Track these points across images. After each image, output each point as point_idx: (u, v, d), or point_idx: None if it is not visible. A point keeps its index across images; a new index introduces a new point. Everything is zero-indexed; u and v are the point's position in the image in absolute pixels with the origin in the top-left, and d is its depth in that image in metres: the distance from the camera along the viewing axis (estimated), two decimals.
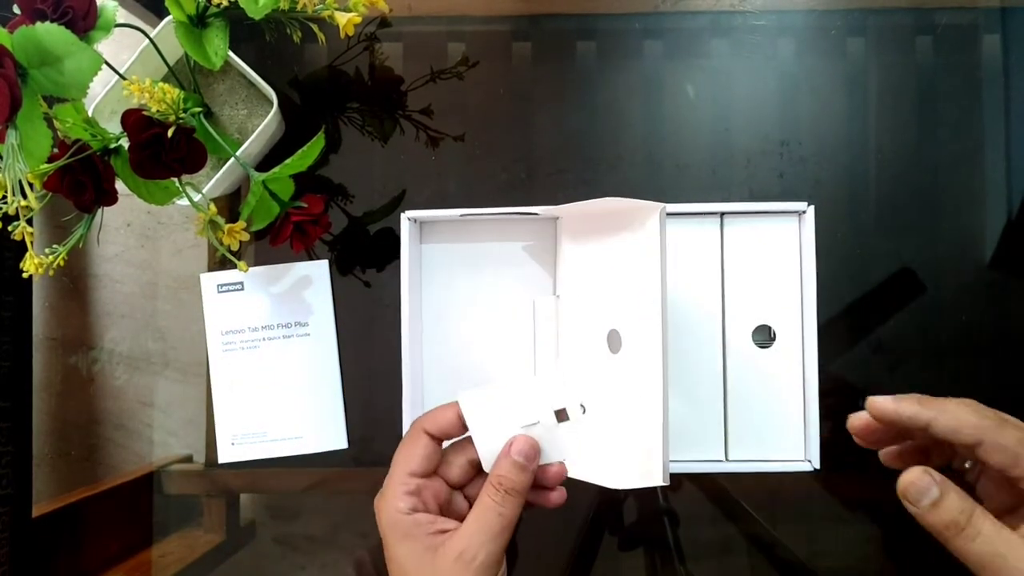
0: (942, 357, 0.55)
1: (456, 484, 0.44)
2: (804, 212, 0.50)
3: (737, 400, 0.50)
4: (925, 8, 0.57)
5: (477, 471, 0.44)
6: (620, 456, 0.44)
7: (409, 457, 0.42)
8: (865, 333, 0.55)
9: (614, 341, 0.47)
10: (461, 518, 0.42)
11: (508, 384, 0.44)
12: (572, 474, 0.46)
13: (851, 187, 0.56)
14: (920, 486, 0.37)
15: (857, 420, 0.40)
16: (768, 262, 0.50)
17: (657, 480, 0.41)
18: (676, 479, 0.55)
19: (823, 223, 0.52)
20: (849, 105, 0.56)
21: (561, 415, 0.43)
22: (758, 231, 0.51)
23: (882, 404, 0.38)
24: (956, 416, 0.36)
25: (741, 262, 0.51)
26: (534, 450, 0.42)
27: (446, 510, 0.43)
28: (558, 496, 0.44)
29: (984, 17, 0.57)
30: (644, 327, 0.43)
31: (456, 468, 0.43)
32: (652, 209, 0.42)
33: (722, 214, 0.51)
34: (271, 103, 0.52)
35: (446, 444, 0.44)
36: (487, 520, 0.40)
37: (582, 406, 0.44)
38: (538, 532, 0.56)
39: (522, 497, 0.41)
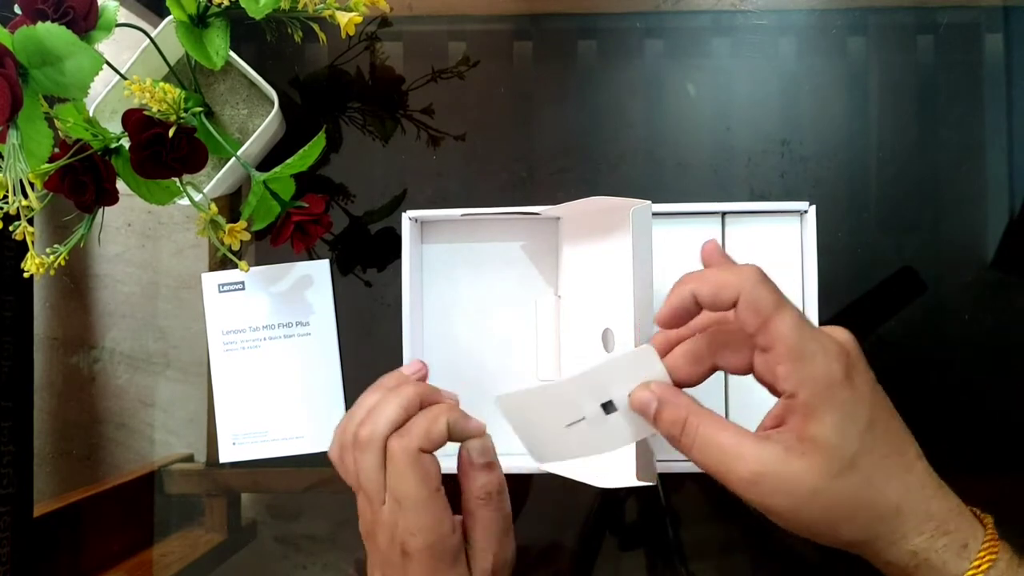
0: (944, 356, 0.55)
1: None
2: (806, 212, 0.50)
3: (738, 399, 0.50)
4: (926, 7, 0.57)
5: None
6: (613, 456, 0.44)
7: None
8: (867, 332, 0.55)
9: (608, 340, 0.47)
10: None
11: (555, 384, 0.41)
12: (563, 473, 0.46)
13: (852, 186, 0.56)
14: (642, 400, 0.37)
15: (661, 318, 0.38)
16: (770, 261, 0.50)
17: (631, 480, 0.41)
18: (677, 479, 0.55)
19: (824, 222, 0.52)
20: (850, 104, 0.56)
21: (609, 407, 0.40)
22: (759, 231, 0.51)
23: (660, 312, 0.37)
24: (716, 278, 0.35)
25: (742, 262, 0.50)
26: (486, 443, 0.42)
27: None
28: None
29: (986, 16, 0.56)
30: (628, 325, 0.43)
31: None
32: (631, 207, 0.42)
33: (723, 214, 0.51)
34: (272, 103, 0.52)
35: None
36: (494, 526, 0.41)
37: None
38: (538, 532, 0.56)
39: (505, 488, 0.42)
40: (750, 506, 0.35)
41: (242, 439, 0.57)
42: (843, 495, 0.33)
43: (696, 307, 0.36)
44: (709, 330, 0.38)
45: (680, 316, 0.37)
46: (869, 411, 0.34)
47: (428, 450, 0.40)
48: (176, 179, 0.46)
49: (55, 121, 0.43)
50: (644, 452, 0.41)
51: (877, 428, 0.34)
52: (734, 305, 0.35)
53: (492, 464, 0.41)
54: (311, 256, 0.57)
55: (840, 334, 0.36)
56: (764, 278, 0.35)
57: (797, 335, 0.34)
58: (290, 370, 0.57)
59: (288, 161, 0.48)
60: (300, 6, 0.47)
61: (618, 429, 0.40)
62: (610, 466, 0.44)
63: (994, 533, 0.35)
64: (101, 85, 0.49)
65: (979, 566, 0.33)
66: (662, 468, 0.51)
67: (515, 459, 0.52)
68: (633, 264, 0.42)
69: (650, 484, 0.41)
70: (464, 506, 0.41)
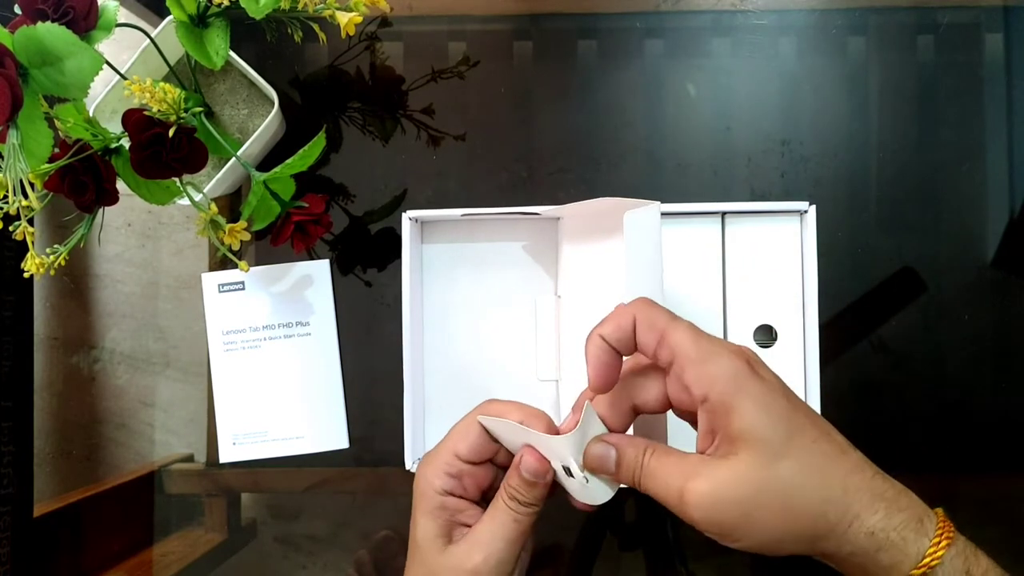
0: (944, 356, 0.55)
1: (505, 465, 0.41)
2: (806, 212, 0.50)
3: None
4: (927, 7, 0.57)
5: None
6: None
7: (461, 439, 0.40)
8: (867, 332, 0.55)
9: None
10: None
11: (542, 436, 0.39)
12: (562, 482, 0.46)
13: (852, 186, 0.56)
14: (599, 454, 0.36)
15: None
16: (770, 262, 0.50)
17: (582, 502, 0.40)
18: None
19: (824, 222, 0.52)
20: (850, 104, 0.56)
21: (568, 472, 0.39)
22: (760, 231, 0.51)
23: (589, 381, 0.37)
24: (613, 318, 0.36)
25: (743, 262, 0.50)
26: (543, 467, 0.39)
27: (488, 494, 0.41)
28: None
29: (986, 16, 0.56)
30: None
31: (503, 453, 0.41)
32: (637, 208, 0.41)
33: (723, 214, 0.51)
34: (272, 103, 0.52)
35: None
36: (501, 523, 0.39)
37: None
38: (539, 532, 0.56)
39: (537, 507, 0.40)
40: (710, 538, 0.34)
41: (242, 439, 0.57)
42: (785, 483, 0.33)
43: (615, 355, 0.36)
44: (621, 373, 0.38)
45: (607, 371, 0.37)
46: (785, 399, 0.34)
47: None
48: (176, 179, 0.46)
49: (55, 121, 0.43)
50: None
51: (799, 414, 0.34)
52: (633, 332, 0.35)
53: (534, 483, 0.39)
54: (311, 256, 0.57)
55: (736, 344, 0.36)
56: (654, 303, 0.36)
57: (694, 340, 0.34)
58: (290, 370, 0.57)
59: (288, 161, 0.48)
60: (300, 6, 0.47)
61: (589, 488, 0.38)
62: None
63: (943, 514, 0.34)
64: (101, 85, 0.49)
65: (939, 543, 0.33)
66: None
67: None
68: (627, 273, 0.40)
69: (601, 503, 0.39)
70: (495, 497, 0.40)
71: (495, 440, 0.40)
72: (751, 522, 0.33)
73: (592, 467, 0.37)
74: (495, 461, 0.41)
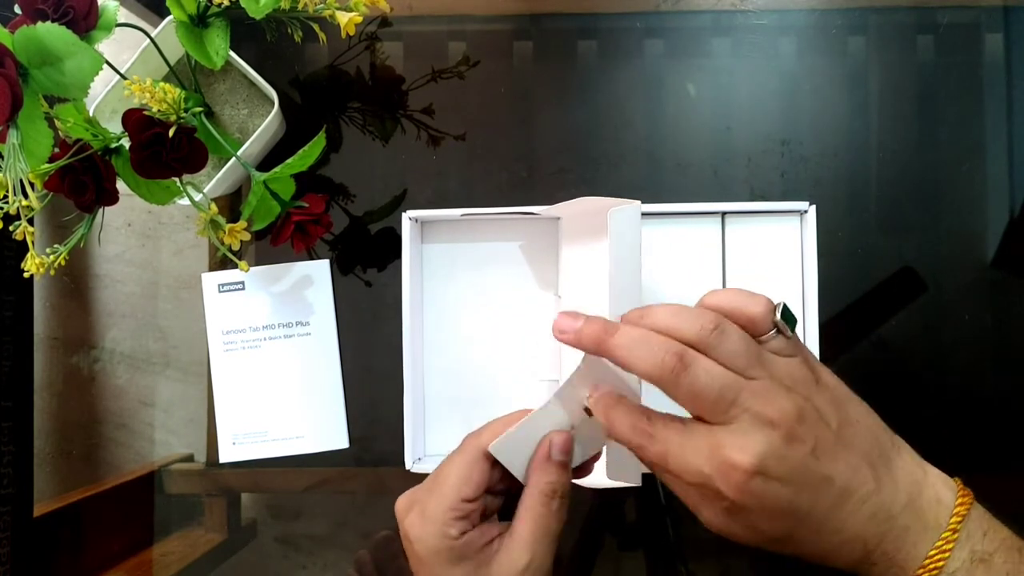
0: (944, 356, 0.55)
1: (497, 490, 0.41)
2: (806, 212, 0.50)
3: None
4: (927, 7, 0.57)
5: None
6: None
7: (465, 482, 0.39)
8: (867, 332, 0.55)
9: None
10: (493, 510, 0.40)
11: (539, 411, 0.40)
12: None
13: (852, 186, 0.56)
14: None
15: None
16: (770, 262, 0.50)
17: (602, 480, 0.40)
18: None
19: (824, 222, 0.52)
20: (850, 104, 0.56)
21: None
22: (759, 231, 0.51)
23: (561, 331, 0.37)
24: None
25: (743, 262, 0.50)
26: (569, 442, 0.39)
27: (486, 515, 0.41)
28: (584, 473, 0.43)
29: (986, 16, 0.56)
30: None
31: (497, 474, 0.40)
32: (613, 205, 0.41)
33: (723, 214, 0.51)
34: (272, 103, 0.52)
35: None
36: (544, 527, 0.38)
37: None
38: None
39: (567, 497, 0.39)
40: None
41: (242, 439, 0.57)
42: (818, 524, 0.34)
43: None
44: None
45: None
46: (826, 458, 0.34)
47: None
48: (176, 179, 0.46)
49: (55, 121, 0.43)
50: (619, 450, 0.40)
51: (838, 465, 0.34)
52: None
53: (565, 464, 0.39)
54: (311, 256, 0.57)
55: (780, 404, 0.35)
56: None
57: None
58: (290, 370, 0.57)
59: (288, 161, 0.48)
60: (300, 6, 0.47)
61: (598, 430, 0.39)
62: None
63: (959, 482, 0.36)
64: (101, 85, 0.49)
65: (933, 556, 0.34)
66: None
67: None
68: (610, 266, 0.41)
69: (634, 485, 0.40)
70: (523, 500, 0.39)
71: (495, 464, 0.40)
72: (765, 499, 0.34)
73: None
74: (488, 487, 0.40)
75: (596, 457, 0.42)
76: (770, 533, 0.35)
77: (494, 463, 0.39)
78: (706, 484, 0.34)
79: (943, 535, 0.34)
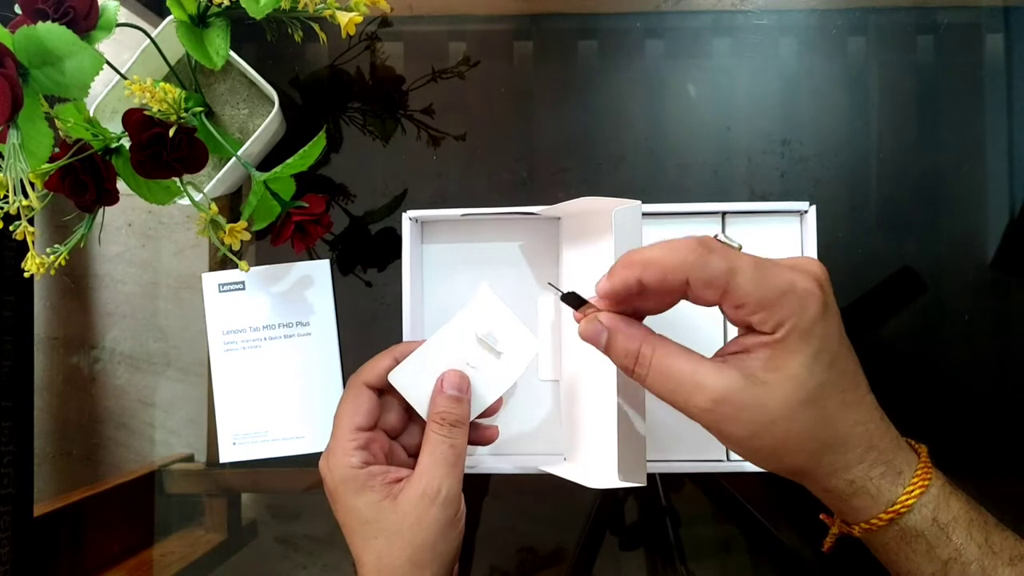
0: (944, 356, 0.55)
1: (394, 433, 0.46)
2: (806, 212, 0.50)
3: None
4: (927, 7, 0.57)
5: (411, 417, 0.47)
6: (603, 456, 0.43)
7: (354, 412, 0.44)
8: (866, 332, 0.55)
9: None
10: (407, 466, 0.44)
11: (432, 339, 0.46)
12: (560, 473, 0.46)
13: (852, 186, 0.56)
14: (591, 332, 0.37)
15: (597, 317, 0.38)
16: None
17: (613, 481, 0.41)
18: (677, 479, 0.55)
19: (824, 222, 0.52)
20: (850, 104, 0.56)
21: (489, 348, 0.45)
22: (760, 231, 0.51)
23: (601, 287, 0.37)
24: (660, 264, 0.34)
25: None
26: (464, 381, 0.45)
27: (391, 460, 0.45)
28: (493, 433, 0.48)
29: (986, 16, 0.56)
30: None
31: (393, 416, 0.46)
32: (615, 205, 0.41)
33: (723, 214, 0.51)
34: (272, 103, 0.52)
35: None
36: (440, 453, 0.43)
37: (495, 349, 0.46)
38: (539, 532, 0.56)
39: (466, 427, 0.44)
40: (707, 430, 0.35)
41: (242, 439, 0.57)
42: (799, 426, 0.34)
43: (640, 288, 0.36)
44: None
45: (622, 298, 0.37)
46: (836, 346, 0.35)
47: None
48: (176, 179, 0.46)
49: (55, 121, 0.43)
50: (629, 452, 0.41)
51: (839, 363, 0.35)
52: (686, 286, 0.34)
53: (460, 399, 0.44)
54: (311, 256, 0.57)
55: (811, 265, 0.36)
56: (705, 248, 0.34)
57: (762, 287, 0.33)
58: (290, 370, 0.57)
59: (288, 161, 0.48)
60: (300, 6, 0.47)
61: (499, 376, 0.45)
62: (600, 466, 0.44)
63: (927, 461, 0.36)
64: (101, 85, 0.49)
65: (911, 491, 0.35)
66: (661, 468, 0.51)
67: (521, 459, 0.52)
68: (615, 259, 0.41)
69: (639, 485, 0.41)
70: (424, 434, 0.44)
71: (378, 394, 0.46)
72: (751, 444, 0.35)
73: (586, 338, 0.38)
74: (385, 428, 0.45)
75: (498, 404, 0.47)
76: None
77: (380, 392, 0.45)
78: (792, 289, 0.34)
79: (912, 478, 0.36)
